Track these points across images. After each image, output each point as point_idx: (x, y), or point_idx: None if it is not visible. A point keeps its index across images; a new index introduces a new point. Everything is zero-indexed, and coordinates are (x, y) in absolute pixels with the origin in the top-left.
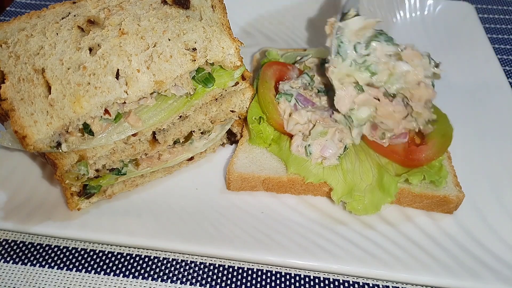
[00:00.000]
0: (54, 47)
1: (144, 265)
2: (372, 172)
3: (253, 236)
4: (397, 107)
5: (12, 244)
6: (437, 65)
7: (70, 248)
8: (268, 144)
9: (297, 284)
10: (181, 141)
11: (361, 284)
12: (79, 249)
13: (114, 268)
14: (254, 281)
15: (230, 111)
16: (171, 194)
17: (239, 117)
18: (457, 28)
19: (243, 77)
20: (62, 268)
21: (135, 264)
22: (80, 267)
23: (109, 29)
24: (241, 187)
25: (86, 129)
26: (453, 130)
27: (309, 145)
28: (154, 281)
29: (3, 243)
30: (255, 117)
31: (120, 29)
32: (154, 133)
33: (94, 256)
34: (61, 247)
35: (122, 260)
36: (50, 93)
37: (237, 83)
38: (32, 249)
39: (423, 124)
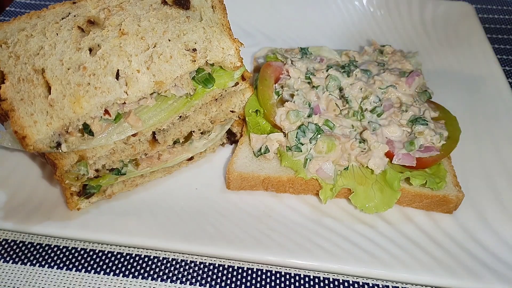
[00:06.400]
0: (54, 47)
1: (144, 265)
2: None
3: (253, 236)
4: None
5: (12, 244)
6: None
7: (70, 248)
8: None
9: (297, 284)
10: (181, 141)
11: (361, 284)
12: (79, 249)
13: (114, 268)
14: (254, 281)
15: (230, 111)
16: (171, 194)
17: (239, 117)
18: (457, 28)
19: (243, 78)
20: (62, 268)
21: (135, 264)
22: (80, 267)
23: (109, 30)
24: (241, 186)
25: (86, 130)
26: (460, 133)
27: (309, 159)
28: (154, 281)
29: (3, 243)
30: (252, 109)
31: (120, 29)
32: (154, 133)
33: (94, 256)
34: (61, 247)
35: (122, 260)
36: (50, 94)
37: (237, 84)
38: (32, 249)
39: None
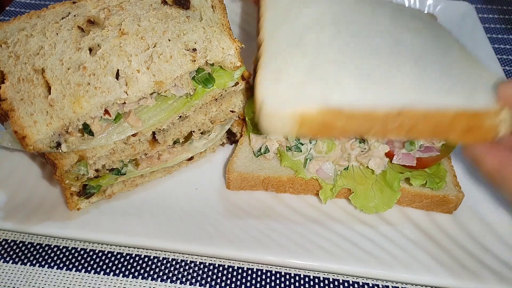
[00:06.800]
0: (54, 47)
1: (144, 265)
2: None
3: (253, 236)
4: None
5: (12, 244)
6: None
7: (69, 248)
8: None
9: (297, 284)
10: (181, 141)
11: (361, 284)
12: (78, 249)
13: (114, 268)
14: (253, 281)
15: (230, 111)
16: (171, 194)
17: (238, 117)
18: (457, 28)
19: (243, 78)
20: (62, 268)
21: (134, 264)
22: (79, 267)
23: (109, 29)
24: (241, 186)
25: (86, 129)
26: None
27: (309, 159)
28: (154, 281)
29: (3, 243)
30: (252, 109)
31: (120, 29)
32: (154, 133)
33: (94, 256)
34: (61, 247)
35: (122, 260)
36: (50, 93)
37: (237, 84)
38: (31, 249)
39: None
